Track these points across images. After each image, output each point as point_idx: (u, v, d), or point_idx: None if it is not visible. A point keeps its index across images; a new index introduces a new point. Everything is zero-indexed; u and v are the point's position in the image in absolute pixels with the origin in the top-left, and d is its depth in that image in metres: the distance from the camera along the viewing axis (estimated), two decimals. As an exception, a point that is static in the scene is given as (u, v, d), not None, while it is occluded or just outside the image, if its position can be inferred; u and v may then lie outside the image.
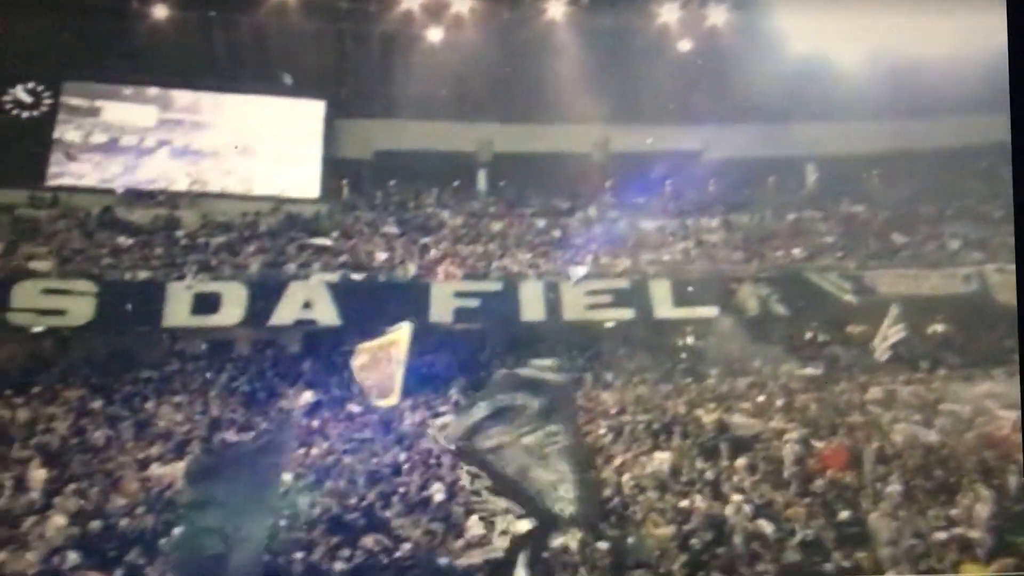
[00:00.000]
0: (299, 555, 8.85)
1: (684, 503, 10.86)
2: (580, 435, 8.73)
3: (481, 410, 8.09)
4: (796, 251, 20.44)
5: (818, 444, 12.89)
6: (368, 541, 9.08)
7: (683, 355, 19.30)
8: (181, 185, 22.55)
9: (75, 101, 22.48)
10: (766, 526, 9.61)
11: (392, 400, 14.03)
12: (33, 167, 21.82)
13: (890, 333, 15.29)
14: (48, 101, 22.41)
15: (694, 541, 9.56)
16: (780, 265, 20.11)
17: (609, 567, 8.83)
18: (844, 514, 9.98)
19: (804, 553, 9.03)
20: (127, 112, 22.78)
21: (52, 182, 21.89)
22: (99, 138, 22.42)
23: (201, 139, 23.12)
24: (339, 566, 8.68)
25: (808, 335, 19.75)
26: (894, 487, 10.91)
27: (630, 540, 9.13)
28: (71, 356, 18.32)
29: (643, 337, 19.11)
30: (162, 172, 22.65)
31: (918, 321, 17.46)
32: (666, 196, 25.25)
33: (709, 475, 12.13)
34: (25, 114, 22.28)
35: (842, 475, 11.75)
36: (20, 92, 22.25)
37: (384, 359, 13.82)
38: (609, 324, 19.73)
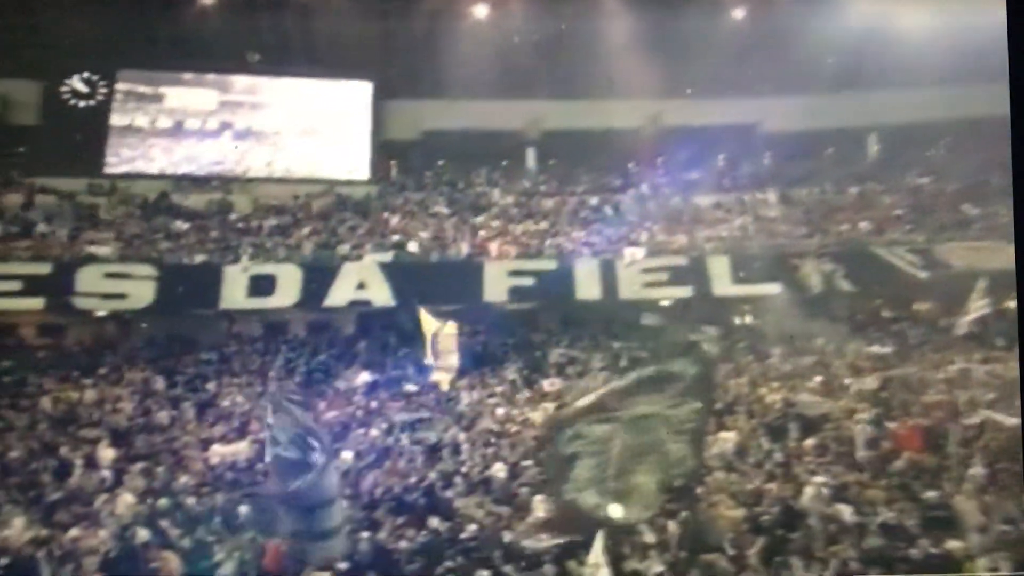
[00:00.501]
0: (365, 534, 8.80)
1: (753, 485, 10.49)
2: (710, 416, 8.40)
3: (646, 371, 7.70)
4: (862, 224, 19.60)
5: (891, 425, 12.36)
6: (433, 521, 8.97)
7: (742, 333, 18.80)
8: (246, 167, 22.73)
9: (141, 88, 22.79)
10: (844, 509, 9.18)
11: (445, 384, 14.05)
12: (92, 155, 22.26)
13: (974, 308, 14.53)
14: (103, 90, 22.77)
15: (766, 519, 9.20)
16: (845, 240, 19.33)
17: (681, 550, 8.55)
18: (930, 494, 9.48)
19: (886, 538, 8.59)
20: (189, 96, 23.05)
21: (110, 169, 22.28)
22: (164, 123, 22.73)
23: (262, 120, 23.22)
24: (404, 545, 8.60)
25: (874, 313, 18.99)
26: (977, 470, 10.36)
27: (701, 521, 8.81)
28: (133, 339, 18.75)
29: (700, 315, 18.66)
30: (225, 154, 22.85)
31: (993, 297, 16.58)
32: (720, 171, 24.62)
33: (778, 456, 11.79)
34: (82, 103, 22.67)
35: (919, 457, 11.22)
36: (76, 82, 22.66)
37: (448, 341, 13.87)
38: (664, 303, 19.35)
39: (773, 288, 18.06)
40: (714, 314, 18.53)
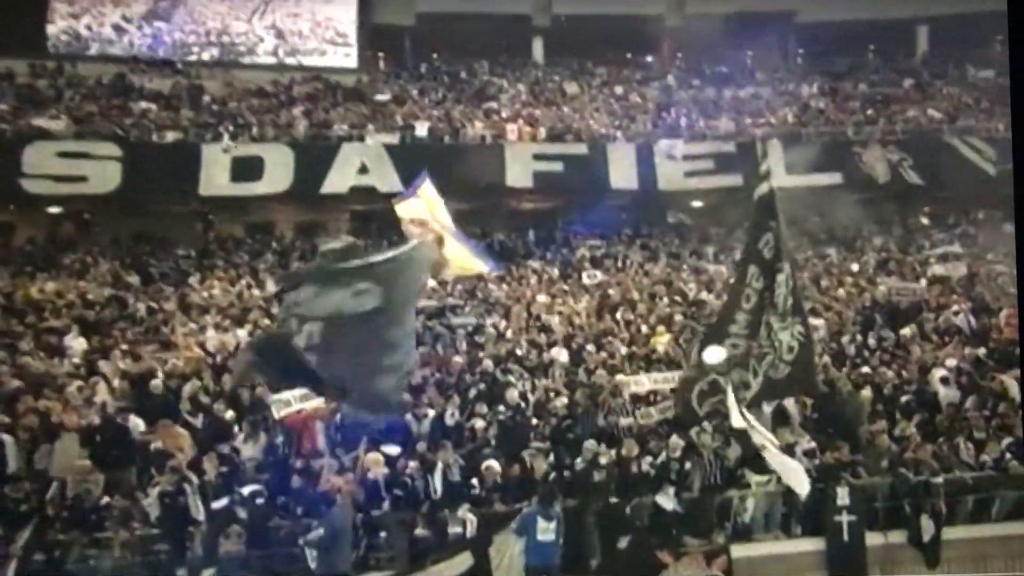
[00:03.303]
0: (430, 411, 7.34)
1: (865, 369, 9.26)
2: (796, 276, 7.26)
3: None
4: (932, 112, 18.13)
5: (1004, 313, 11.18)
6: (512, 395, 7.52)
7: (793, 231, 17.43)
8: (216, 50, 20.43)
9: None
10: (1013, 385, 7.95)
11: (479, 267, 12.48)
12: (32, 34, 19.74)
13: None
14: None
15: (905, 398, 8.01)
16: (913, 128, 17.85)
17: (816, 429, 7.29)
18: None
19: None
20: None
21: (54, 47, 19.83)
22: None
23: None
24: (479, 424, 7.16)
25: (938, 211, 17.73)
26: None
27: (835, 400, 7.55)
28: (95, 239, 16.82)
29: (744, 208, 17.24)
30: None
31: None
32: (751, 65, 23.05)
33: (872, 343, 10.63)
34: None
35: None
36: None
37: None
38: (696, 204, 17.97)
39: (832, 178, 16.65)
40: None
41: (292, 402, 6.72)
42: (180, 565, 5.93)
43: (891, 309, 12.11)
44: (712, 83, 21.34)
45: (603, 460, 6.48)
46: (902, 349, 10.37)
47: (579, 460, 6.57)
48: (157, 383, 8.27)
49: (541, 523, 5.90)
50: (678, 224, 18.13)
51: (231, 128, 16.38)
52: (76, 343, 10.46)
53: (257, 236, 17.51)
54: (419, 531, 6.15)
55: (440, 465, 6.48)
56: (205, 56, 20.61)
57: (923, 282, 13.60)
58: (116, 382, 8.63)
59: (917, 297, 12.17)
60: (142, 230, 16.93)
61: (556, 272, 14.40)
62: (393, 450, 6.80)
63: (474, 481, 6.50)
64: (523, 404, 7.58)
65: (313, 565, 5.80)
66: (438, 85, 21.01)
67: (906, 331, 11.16)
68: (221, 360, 9.68)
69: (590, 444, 6.67)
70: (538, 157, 16.57)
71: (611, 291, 13.32)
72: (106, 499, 6.21)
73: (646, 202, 17.11)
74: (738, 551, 6.44)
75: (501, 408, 7.44)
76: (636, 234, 16.87)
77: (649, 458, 6.57)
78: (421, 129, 16.82)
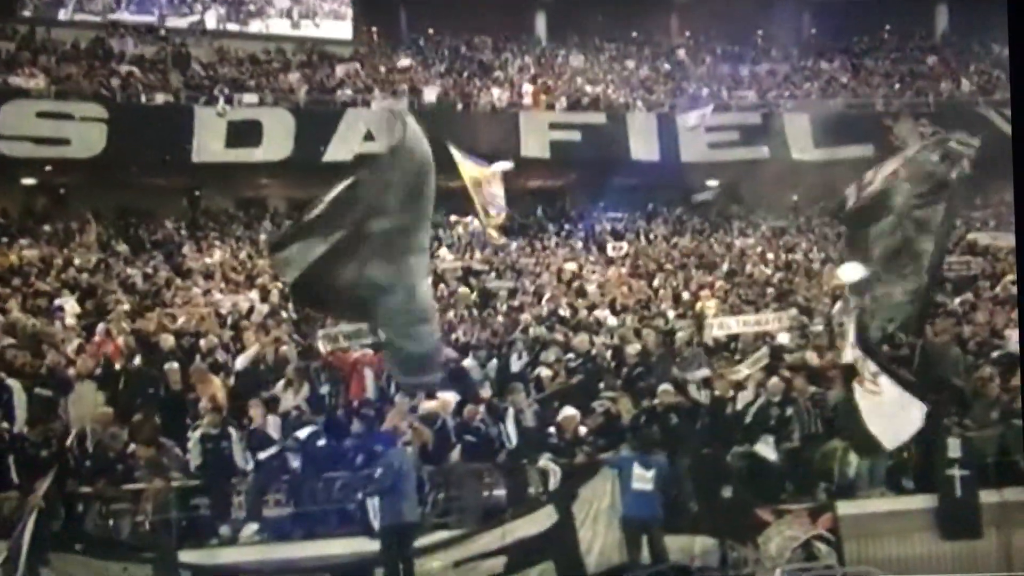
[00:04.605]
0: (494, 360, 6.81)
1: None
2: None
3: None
4: (965, 84, 17.94)
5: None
6: (582, 341, 7.01)
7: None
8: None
9: None
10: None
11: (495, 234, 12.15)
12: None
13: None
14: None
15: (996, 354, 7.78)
16: (944, 100, 17.63)
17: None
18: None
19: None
20: None
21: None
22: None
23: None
24: (545, 372, 6.63)
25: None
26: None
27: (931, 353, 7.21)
28: (72, 213, 16.05)
29: (773, 182, 16.94)
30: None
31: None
32: (760, 45, 22.83)
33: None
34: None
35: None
36: None
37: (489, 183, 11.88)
38: (712, 185, 17.66)
39: (864, 151, 16.32)
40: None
41: (340, 339, 6.20)
42: (224, 521, 5.34)
43: (942, 279, 11.88)
44: (725, 60, 21.09)
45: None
46: (965, 315, 10.09)
47: (656, 401, 6.07)
48: (167, 337, 7.66)
49: (637, 469, 5.39)
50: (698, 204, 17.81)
51: (226, 90, 15.65)
52: (68, 305, 9.83)
53: (251, 211, 16.90)
54: (493, 484, 5.62)
55: (512, 411, 5.94)
56: (209, 16, 19.67)
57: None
58: (121, 339, 7.99)
59: (971, 270, 11.93)
60: (126, 204, 16.23)
61: (580, 244, 13.96)
62: (450, 397, 6.26)
63: (551, 430, 5.97)
64: (592, 351, 7.07)
65: (376, 520, 5.24)
66: (439, 59, 20.48)
67: (962, 299, 10.95)
68: (234, 320, 9.12)
69: (665, 387, 6.19)
70: (555, 126, 16.11)
71: (639, 261, 12.97)
72: (132, 447, 5.59)
73: (666, 177, 16.70)
74: (844, 508, 5.99)
75: (570, 356, 6.94)
76: (656, 212, 16.47)
77: (745, 399, 6.08)
78: (430, 94, 16.24)
